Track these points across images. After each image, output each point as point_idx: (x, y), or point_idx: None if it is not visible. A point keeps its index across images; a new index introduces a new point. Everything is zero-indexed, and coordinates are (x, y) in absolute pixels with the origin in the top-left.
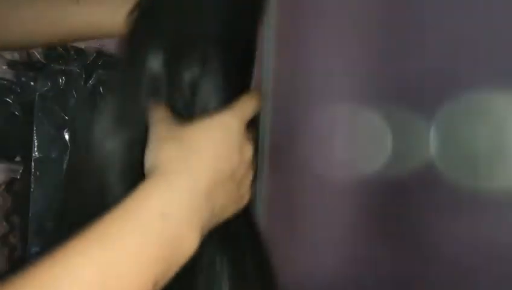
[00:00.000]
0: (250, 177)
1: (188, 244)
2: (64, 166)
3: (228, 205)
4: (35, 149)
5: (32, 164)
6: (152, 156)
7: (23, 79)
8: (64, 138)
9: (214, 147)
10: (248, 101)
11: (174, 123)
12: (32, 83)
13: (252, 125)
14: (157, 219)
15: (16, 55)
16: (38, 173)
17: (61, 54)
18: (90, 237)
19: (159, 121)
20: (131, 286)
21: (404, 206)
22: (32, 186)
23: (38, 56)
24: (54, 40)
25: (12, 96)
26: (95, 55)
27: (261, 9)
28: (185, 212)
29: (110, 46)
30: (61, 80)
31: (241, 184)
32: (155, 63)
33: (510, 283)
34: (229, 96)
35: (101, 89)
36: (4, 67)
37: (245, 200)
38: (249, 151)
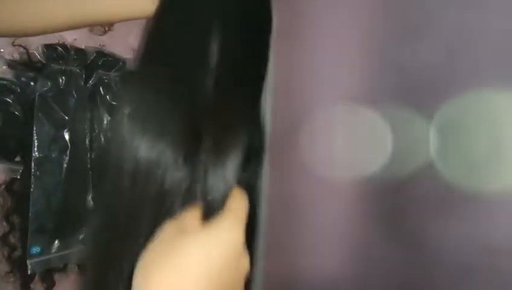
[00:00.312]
0: None
1: None
2: (64, 166)
3: None
4: (35, 149)
5: (32, 164)
6: (142, 279)
7: (23, 79)
8: (64, 138)
9: (209, 270)
10: (240, 200)
11: (179, 230)
12: (32, 83)
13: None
14: None
15: (16, 55)
16: (38, 173)
17: (61, 54)
18: None
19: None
20: None
21: (404, 206)
22: (32, 186)
23: (38, 56)
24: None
25: (12, 96)
26: (95, 55)
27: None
28: None
29: (110, 46)
30: (61, 80)
31: None
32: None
33: (509, 283)
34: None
35: (101, 89)
36: (4, 67)
37: None
38: (245, 265)
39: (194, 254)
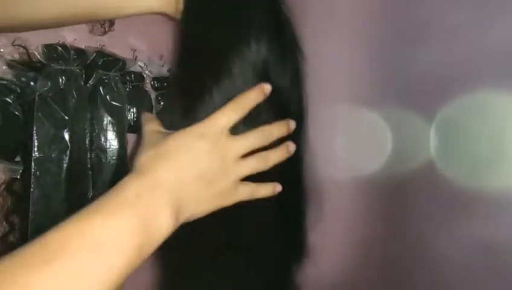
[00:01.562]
0: (226, 181)
1: (161, 223)
2: (65, 166)
3: (200, 201)
4: (35, 149)
5: (32, 164)
6: (137, 159)
7: (23, 79)
8: (64, 138)
9: (182, 150)
10: (229, 107)
11: (160, 133)
12: (32, 83)
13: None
14: (133, 197)
15: (16, 55)
16: (38, 173)
17: (61, 54)
18: (81, 215)
19: (149, 131)
20: (119, 250)
21: (404, 206)
22: (32, 186)
23: (38, 56)
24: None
25: (12, 96)
26: (95, 55)
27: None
28: (153, 195)
29: (110, 46)
30: (61, 80)
31: (212, 186)
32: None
33: (509, 283)
34: None
35: (101, 89)
36: (4, 67)
37: (228, 200)
38: (220, 157)
39: (172, 141)
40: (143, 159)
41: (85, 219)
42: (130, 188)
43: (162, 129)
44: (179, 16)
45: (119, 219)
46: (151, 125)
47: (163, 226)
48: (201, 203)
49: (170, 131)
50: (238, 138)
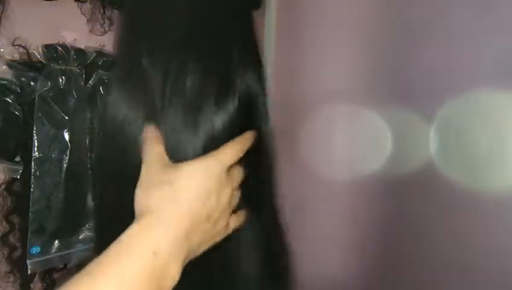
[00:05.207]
0: (226, 217)
1: (172, 276)
2: (64, 166)
3: (204, 241)
4: (35, 149)
5: (32, 164)
6: (143, 197)
7: (23, 79)
8: (64, 138)
9: (195, 192)
10: (231, 147)
11: (164, 164)
12: (32, 83)
13: (240, 163)
14: (149, 257)
15: (16, 55)
16: (38, 173)
17: (61, 54)
18: (90, 272)
19: (151, 160)
20: None
21: (404, 206)
22: (32, 186)
23: (38, 56)
24: None
25: (12, 96)
26: (95, 55)
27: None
28: (171, 248)
29: (110, 46)
30: (61, 80)
31: (216, 224)
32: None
33: (508, 281)
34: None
35: (101, 89)
36: (4, 67)
37: (221, 235)
38: (226, 195)
39: (184, 178)
40: (151, 199)
41: (99, 281)
42: (145, 243)
43: (165, 157)
44: None
45: (128, 287)
46: (156, 150)
47: (170, 282)
48: (206, 243)
49: (173, 163)
50: (233, 172)
